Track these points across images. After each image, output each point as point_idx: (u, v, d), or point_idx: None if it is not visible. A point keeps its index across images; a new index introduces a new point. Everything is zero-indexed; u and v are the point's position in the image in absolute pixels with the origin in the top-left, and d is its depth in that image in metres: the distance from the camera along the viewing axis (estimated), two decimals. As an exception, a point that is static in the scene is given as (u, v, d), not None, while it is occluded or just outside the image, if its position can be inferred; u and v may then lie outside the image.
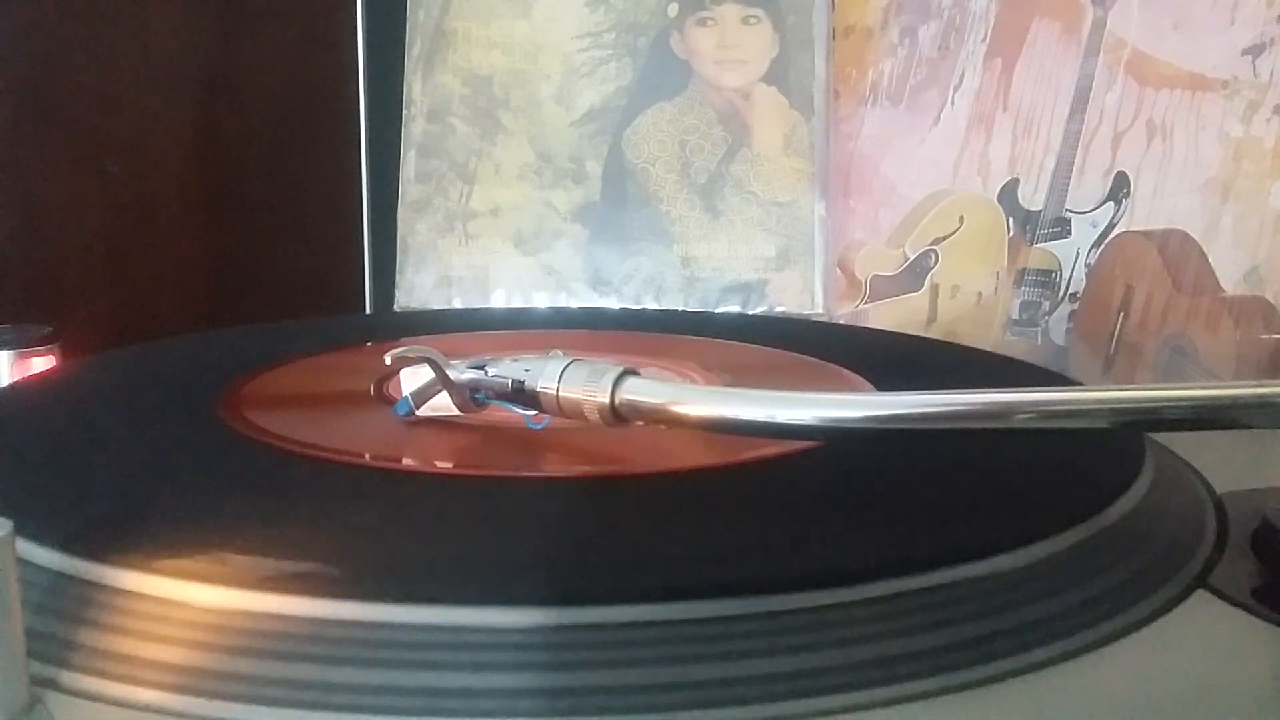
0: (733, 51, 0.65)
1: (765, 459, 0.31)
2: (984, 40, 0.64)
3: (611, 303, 0.64)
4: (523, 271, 0.65)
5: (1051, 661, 0.23)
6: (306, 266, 0.76)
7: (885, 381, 0.41)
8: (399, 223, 0.66)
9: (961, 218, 0.65)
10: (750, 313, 0.63)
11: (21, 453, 0.32)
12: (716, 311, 0.63)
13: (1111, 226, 0.62)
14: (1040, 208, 0.64)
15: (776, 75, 0.64)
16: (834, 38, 0.65)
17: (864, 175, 0.66)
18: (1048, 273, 0.63)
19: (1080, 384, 0.46)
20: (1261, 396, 0.24)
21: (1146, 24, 0.61)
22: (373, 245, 0.69)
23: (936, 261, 0.65)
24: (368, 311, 0.68)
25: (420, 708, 0.21)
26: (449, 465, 0.33)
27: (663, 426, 0.32)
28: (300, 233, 0.76)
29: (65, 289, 0.68)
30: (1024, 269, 0.64)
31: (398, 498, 0.29)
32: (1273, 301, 0.59)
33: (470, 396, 0.34)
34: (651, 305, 0.63)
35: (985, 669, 0.23)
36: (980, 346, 0.59)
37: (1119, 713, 0.22)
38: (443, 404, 0.35)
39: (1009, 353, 0.62)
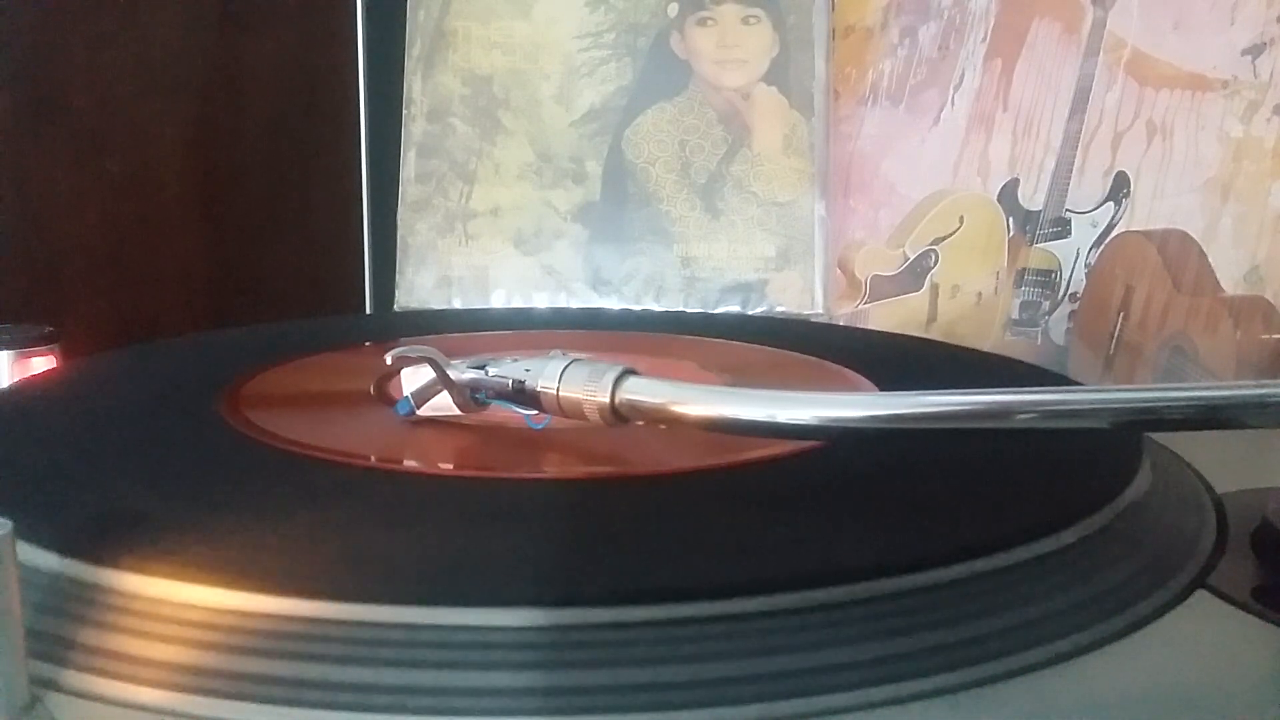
0: (733, 51, 0.65)
1: (765, 459, 0.31)
2: (984, 40, 0.64)
3: (611, 303, 0.64)
4: (523, 271, 0.65)
5: (1051, 661, 0.23)
6: (306, 266, 0.76)
7: (885, 381, 0.41)
8: (399, 223, 0.66)
9: (961, 218, 0.65)
10: (750, 313, 0.63)
11: (21, 453, 0.32)
12: (716, 311, 0.63)
13: (1111, 226, 0.62)
14: (1040, 208, 0.64)
15: (776, 75, 0.64)
16: (834, 38, 0.65)
17: (864, 175, 0.66)
18: (1048, 273, 0.64)
19: (1080, 384, 0.46)
20: (1261, 396, 0.24)
21: (1146, 24, 0.61)
22: (373, 245, 0.69)
23: (936, 261, 0.65)
24: (368, 311, 0.68)
25: (420, 707, 0.21)
26: (450, 465, 0.33)
27: (663, 426, 0.32)
28: (300, 233, 0.76)
29: (65, 289, 0.68)
30: (1024, 269, 0.64)
31: (398, 498, 0.29)
32: (1273, 301, 0.59)
33: (471, 396, 0.34)
34: (651, 305, 0.63)
35: (985, 669, 0.23)
36: (980, 346, 0.59)
37: (1119, 713, 0.22)
38: (443, 404, 0.35)
39: (1009, 353, 0.62)
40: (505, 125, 0.66)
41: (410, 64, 0.66)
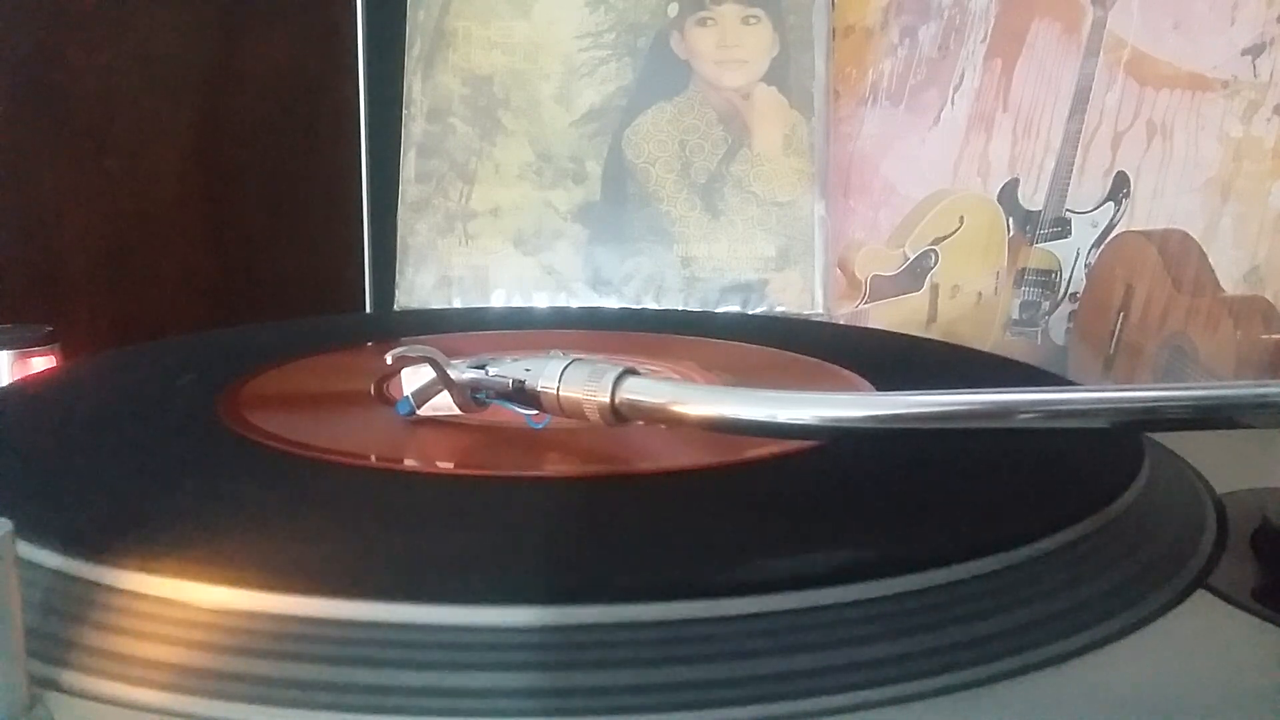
0: (733, 51, 0.65)
1: (765, 459, 0.31)
2: (984, 40, 0.64)
3: (611, 303, 0.64)
4: (523, 271, 0.65)
5: (1051, 661, 0.23)
6: (306, 266, 0.76)
7: (885, 381, 0.41)
8: (399, 223, 0.66)
9: (961, 218, 0.65)
10: (750, 313, 0.63)
11: (21, 453, 0.32)
12: (716, 311, 0.63)
13: (1111, 226, 0.62)
14: (1040, 208, 0.64)
15: (776, 75, 0.64)
16: (834, 38, 0.65)
17: (864, 175, 0.66)
18: (1048, 273, 0.64)
19: (1080, 384, 0.46)
20: (1261, 396, 0.24)
21: (1146, 24, 0.61)
22: (373, 245, 0.69)
23: (936, 261, 0.65)
24: (368, 311, 0.68)
25: (420, 707, 0.21)
26: (450, 465, 0.33)
27: (663, 426, 0.32)
28: (300, 233, 0.76)
29: (65, 289, 0.68)
30: (1024, 269, 0.64)
31: (398, 497, 0.29)
32: (1273, 301, 0.59)
33: (471, 396, 0.34)
34: (651, 305, 0.63)
35: (985, 669, 0.23)
36: (980, 346, 0.59)
37: (1119, 713, 0.22)
38: (444, 403, 0.35)
39: (1009, 353, 0.62)
40: (505, 125, 0.66)
41: (410, 64, 0.66)
